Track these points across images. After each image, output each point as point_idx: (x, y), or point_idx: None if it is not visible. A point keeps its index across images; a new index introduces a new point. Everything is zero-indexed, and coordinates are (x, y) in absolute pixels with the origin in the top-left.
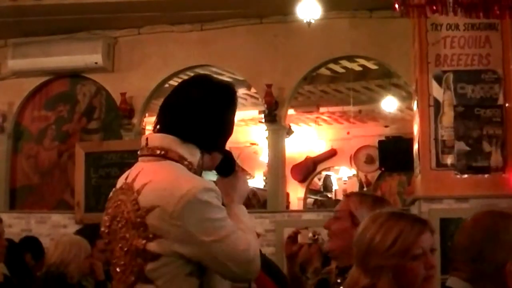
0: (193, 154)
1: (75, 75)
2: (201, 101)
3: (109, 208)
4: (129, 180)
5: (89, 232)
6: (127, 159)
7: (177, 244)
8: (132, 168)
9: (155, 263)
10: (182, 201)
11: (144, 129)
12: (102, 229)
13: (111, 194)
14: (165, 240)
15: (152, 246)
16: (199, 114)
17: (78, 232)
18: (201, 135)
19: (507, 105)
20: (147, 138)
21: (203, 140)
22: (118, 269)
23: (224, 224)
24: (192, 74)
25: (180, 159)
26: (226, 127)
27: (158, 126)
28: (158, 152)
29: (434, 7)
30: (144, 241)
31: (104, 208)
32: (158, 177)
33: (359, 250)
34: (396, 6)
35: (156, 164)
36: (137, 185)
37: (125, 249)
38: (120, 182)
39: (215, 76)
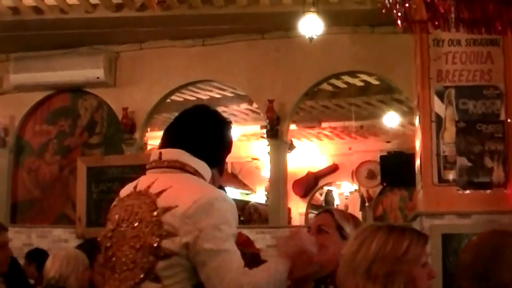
0: (207, 172)
1: (77, 90)
2: (208, 124)
3: (115, 214)
4: (140, 188)
5: (89, 246)
6: (129, 174)
7: (185, 242)
8: (140, 178)
9: (166, 262)
10: (197, 202)
11: (146, 143)
12: (104, 233)
13: (114, 203)
14: (178, 238)
15: (166, 243)
16: (207, 133)
17: (78, 247)
18: (207, 150)
19: (509, 120)
20: (160, 152)
21: (209, 155)
22: (125, 267)
23: (227, 239)
24: (193, 89)
25: (195, 173)
26: (226, 145)
27: (165, 142)
28: (176, 165)
29: (436, 23)
30: (158, 239)
31: (104, 223)
32: (178, 184)
33: (363, 260)
34: (398, 21)
35: (174, 175)
36: (154, 190)
37: (137, 246)
38: (126, 191)
39: (217, 90)
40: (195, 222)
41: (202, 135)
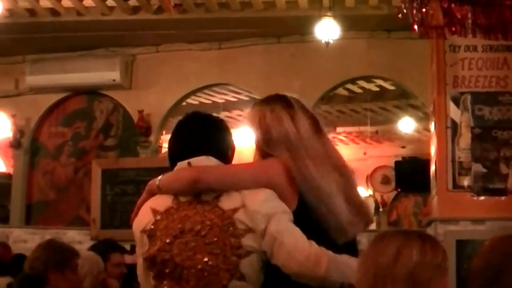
0: None
1: (93, 92)
2: (220, 128)
3: (164, 227)
4: (185, 198)
5: (102, 247)
6: (143, 177)
7: (260, 234)
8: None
9: (247, 259)
10: (260, 197)
11: (161, 146)
12: (158, 247)
13: (151, 225)
14: (254, 234)
15: (245, 241)
16: (223, 137)
17: (91, 248)
18: (226, 153)
19: None
20: (189, 162)
21: (227, 158)
22: (206, 273)
23: (289, 220)
24: (209, 93)
25: None
26: (234, 146)
27: (186, 150)
28: None
29: (453, 28)
30: (237, 239)
31: (119, 225)
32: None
33: (402, 268)
34: (415, 27)
35: None
36: (209, 197)
37: (217, 251)
38: (164, 203)
39: (232, 94)
40: (264, 214)
41: (220, 139)
